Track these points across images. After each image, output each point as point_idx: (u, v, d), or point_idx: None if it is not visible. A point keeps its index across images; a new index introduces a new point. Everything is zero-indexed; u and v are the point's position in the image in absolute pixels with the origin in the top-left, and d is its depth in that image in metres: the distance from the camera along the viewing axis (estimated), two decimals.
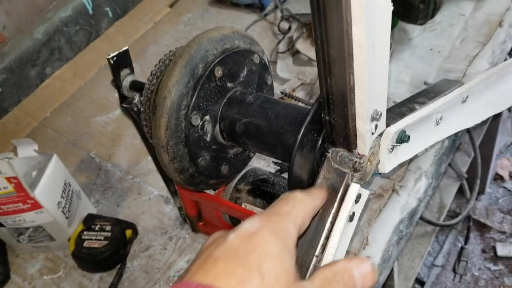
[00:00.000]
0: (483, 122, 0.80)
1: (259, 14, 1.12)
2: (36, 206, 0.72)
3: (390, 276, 0.96)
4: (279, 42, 1.01)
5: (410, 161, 0.78)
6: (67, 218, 0.77)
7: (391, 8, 0.37)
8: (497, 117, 1.44)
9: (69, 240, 0.77)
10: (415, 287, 1.52)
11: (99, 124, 0.98)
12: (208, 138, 0.54)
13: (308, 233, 0.46)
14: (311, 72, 0.93)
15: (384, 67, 0.41)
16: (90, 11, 1.07)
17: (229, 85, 0.54)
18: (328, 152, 0.48)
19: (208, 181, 0.57)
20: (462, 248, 1.58)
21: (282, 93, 0.72)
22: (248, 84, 0.57)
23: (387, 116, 0.55)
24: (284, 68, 0.96)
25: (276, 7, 1.09)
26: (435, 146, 0.79)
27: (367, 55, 0.37)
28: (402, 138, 0.52)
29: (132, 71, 0.65)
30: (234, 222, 0.70)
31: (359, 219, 0.50)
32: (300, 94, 0.92)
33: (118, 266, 0.76)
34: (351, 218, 0.48)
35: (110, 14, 1.12)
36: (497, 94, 0.78)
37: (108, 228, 0.77)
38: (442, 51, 0.92)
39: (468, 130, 1.10)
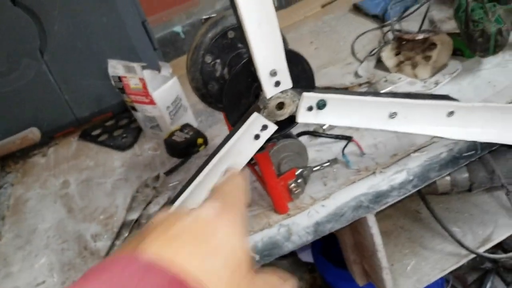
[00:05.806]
0: None
1: (379, 24, 1.32)
2: (152, 102, 1.15)
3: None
4: (374, 50, 1.22)
5: (400, 158, 0.93)
6: (171, 119, 1.18)
7: None
8: None
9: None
10: None
11: None
12: (217, 74, 0.86)
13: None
14: (380, 75, 1.12)
15: (273, 33, 0.65)
16: None
17: (239, 45, 0.84)
18: (260, 95, 0.75)
19: (217, 104, 0.89)
20: None
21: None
22: None
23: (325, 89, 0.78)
24: (364, 68, 1.18)
25: (394, 20, 1.28)
26: (429, 154, 0.92)
27: (249, 22, 0.64)
28: (319, 104, 0.74)
29: None
30: None
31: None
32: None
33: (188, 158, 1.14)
34: (256, 137, 0.74)
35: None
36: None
37: (190, 133, 1.16)
38: (497, 86, 1.00)
39: None
